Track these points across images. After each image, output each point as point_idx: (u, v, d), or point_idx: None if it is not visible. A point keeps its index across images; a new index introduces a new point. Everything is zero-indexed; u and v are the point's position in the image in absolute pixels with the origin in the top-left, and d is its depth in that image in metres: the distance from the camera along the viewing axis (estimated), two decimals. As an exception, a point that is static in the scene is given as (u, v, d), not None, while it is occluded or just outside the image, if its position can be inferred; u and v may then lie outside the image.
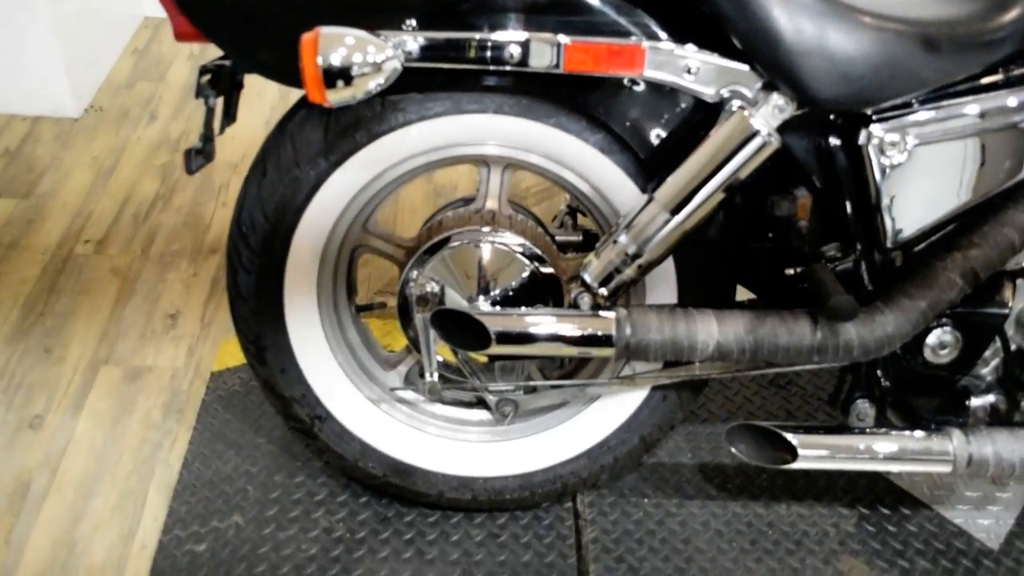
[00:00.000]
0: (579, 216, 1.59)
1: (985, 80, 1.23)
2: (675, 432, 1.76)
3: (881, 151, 1.21)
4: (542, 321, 1.26)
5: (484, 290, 1.38)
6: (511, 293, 1.37)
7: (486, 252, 1.37)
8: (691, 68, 1.17)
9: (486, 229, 1.37)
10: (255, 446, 1.72)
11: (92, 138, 2.68)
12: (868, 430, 1.35)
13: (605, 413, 1.47)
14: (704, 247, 1.32)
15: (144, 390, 1.89)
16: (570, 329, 1.26)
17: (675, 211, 1.22)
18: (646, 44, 1.16)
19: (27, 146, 2.62)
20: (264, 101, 2.80)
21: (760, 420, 1.56)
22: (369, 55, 1.10)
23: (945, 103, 1.22)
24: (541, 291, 1.38)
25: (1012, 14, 1.20)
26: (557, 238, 1.48)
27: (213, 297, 2.13)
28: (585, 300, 1.29)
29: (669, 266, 1.35)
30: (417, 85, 1.24)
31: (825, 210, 1.27)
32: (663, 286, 1.36)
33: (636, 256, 1.25)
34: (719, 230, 1.30)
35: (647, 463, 1.70)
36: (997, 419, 1.39)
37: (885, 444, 1.32)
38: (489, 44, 1.15)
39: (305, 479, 1.66)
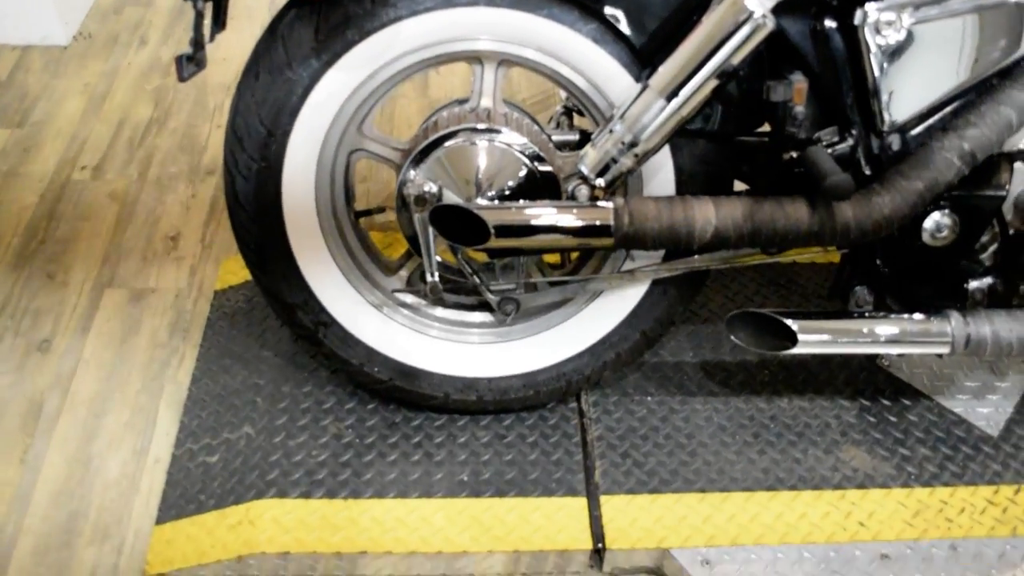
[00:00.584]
0: (575, 117, 1.58)
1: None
2: (677, 331, 1.77)
3: (877, 31, 1.19)
4: (540, 213, 1.27)
5: (482, 189, 1.38)
6: (509, 191, 1.37)
7: (482, 150, 1.37)
8: (683, -49, 1.16)
9: (481, 127, 1.36)
10: (261, 359, 1.74)
11: (82, 65, 2.65)
12: (867, 314, 1.36)
13: (606, 309, 1.48)
14: (701, 137, 1.32)
15: (149, 310, 1.90)
16: (568, 220, 1.26)
17: (670, 97, 1.21)
18: (636, -73, 1.14)
19: (18, 75, 2.60)
20: (255, 22, 2.77)
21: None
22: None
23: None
24: (539, 189, 1.37)
25: None
26: (554, 138, 1.48)
27: (213, 218, 2.13)
28: (583, 191, 1.29)
29: (666, 158, 1.34)
30: (408, -21, 1.23)
31: (821, 94, 1.27)
32: (660, 178, 1.36)
33: (632, 145, 1.24)
34: (715, 119, 1.29)
35: (650, 362, 1.71)
36: (995, 302, 1.40)
37: (884, 327, 1.33)
38: (477, -67, 1.13)
39: (313, 388, 1.68)
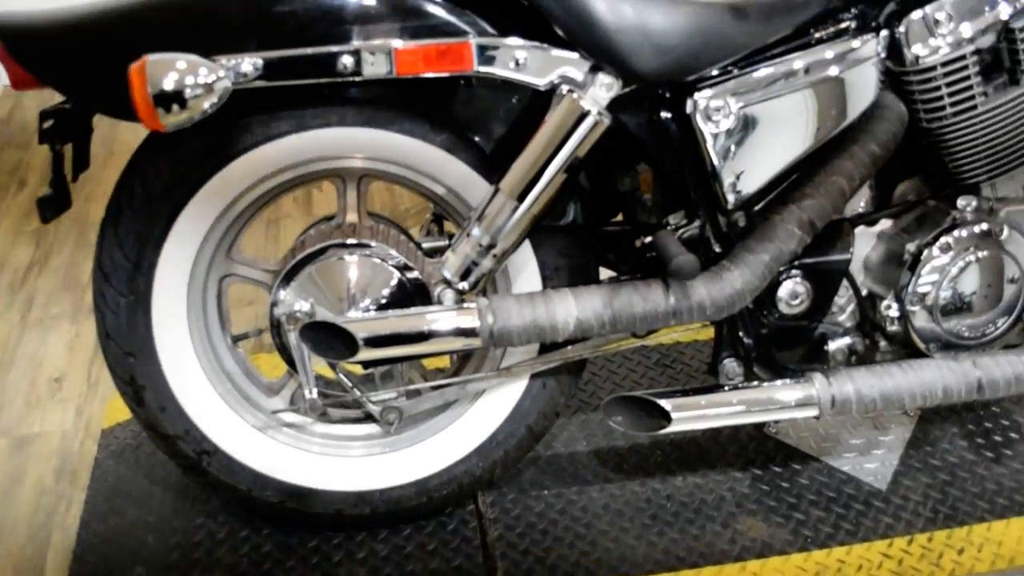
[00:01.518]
0: (445, 222, 1.63)
1: (801, 38, 1.31)
2: (569, 421, 1.79)
3: (708, 117, 1.27)
4: (407, 321, 1.29)
5: (354, 301, 1.40)
6: (381, 301, 1.39)
7: (350, 264, 1.39)
8: (519, 60, 1.22)
9: (347, 242, 1.39)
10: (151, 496, 1.69)
11: (-41, 213, 2.62)
12: (737, 386, 1.41)
13: (490, 408, 1.50)
14: (560, 231, 1.37)
15: (33, 457, 1.84)
16: (435, 325, 1.28)
17: (521, 198, 1.26)
18: (473, 41, 1.20)
19: None
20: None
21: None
22: (200, 77, 1.11)
23: (764, 65, 1.29)
24: (410, 296, 1.40)
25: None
26: (425, 245, 1.51)
27: (98, 355, 2.09)
28: (448, 295, 1.32)
29: (529, 255, 1.38)
30: (261, 106, 1.26)
31: (666, 180, 1.33)
32: (526, 274, 1.40)
33: (491, 246, 1.28)
34: (572, 212, 1.34)
35: (544, 455, 1.72)
36: (857, 360, 1.46)
37: (752, 396, 1.38)
38: (321, 58, 1.18)
39: (204, 520, 1.63)
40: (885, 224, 1.47)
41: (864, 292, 1.46)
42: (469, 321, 1.27)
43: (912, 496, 1.64)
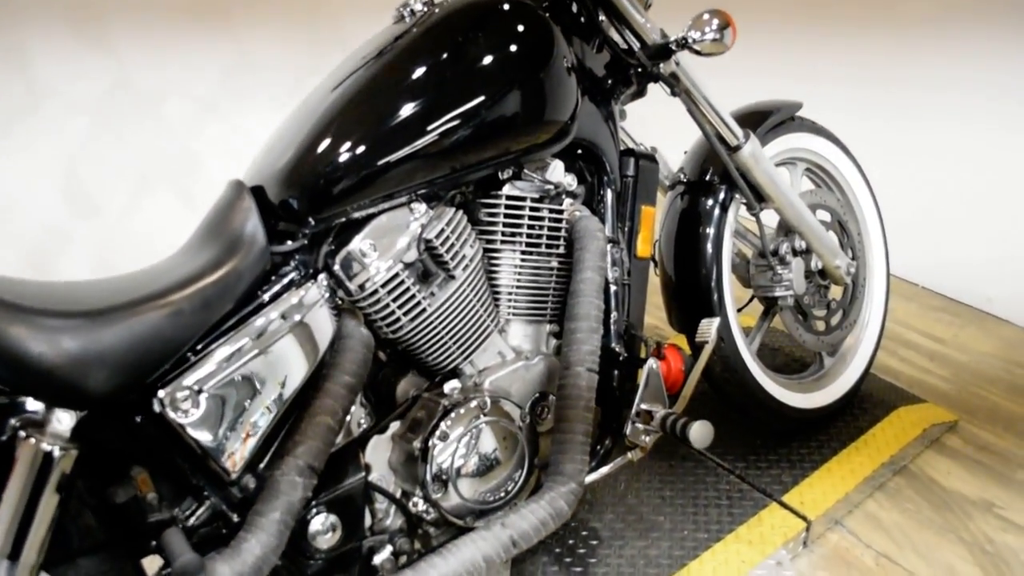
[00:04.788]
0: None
1: (250, 303, 1.42)
2: None
3: (178, 410, 1.32)
4: None
5: None
6: None
7: None
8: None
9: None
10: None
11: None
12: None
13: None
14: (77, 556, 1.35)
15: None
16: None
17: (14, 556, 1.23)
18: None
19: None
20: None
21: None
22: None
23: (218, 344, 1.36)
24: None
25: (234, 263, 1.40)
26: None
27: None
28: None
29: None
30: None
31: (163, 475, 1.37)
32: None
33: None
34: (74, 540, 1.33)
35: None
36: (412, 557, 1.57)
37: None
38: None
39: None
40: (395, 426, 1.61)
41: (398, 494, 1.58)
42: None
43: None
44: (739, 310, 2.13)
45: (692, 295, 2.04)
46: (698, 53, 1.72)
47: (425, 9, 1.63)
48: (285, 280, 1.47)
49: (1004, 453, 2.33)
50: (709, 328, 1.75)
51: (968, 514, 2.12)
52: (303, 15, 3.17)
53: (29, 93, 2.89)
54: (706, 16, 1.70)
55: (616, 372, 1.74)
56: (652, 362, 1.70)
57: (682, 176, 2.11)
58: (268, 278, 1.46)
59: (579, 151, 1.76)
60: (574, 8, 1.74)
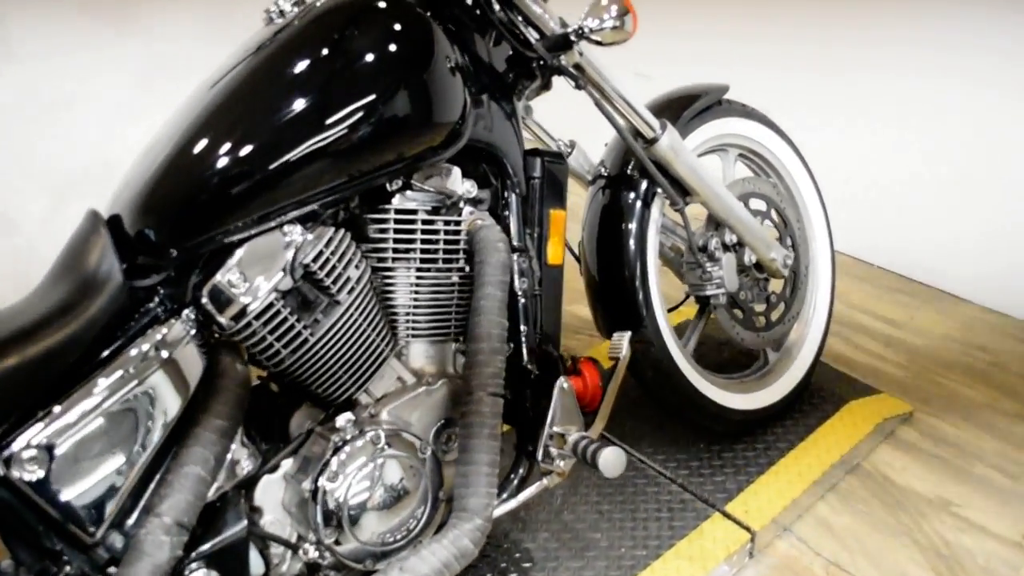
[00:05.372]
0: None
1: (110, 345, 1.30)
2: None
3: (25, 470, 1.19)
4: None
5: None
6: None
7: None
8: None
9: None
10: None
11: None
12: None
13: None
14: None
15: None
16: None
17: None
18: None
19: None
20: None
21: None
22: None
23: (73, 394, 1.24)
24: None
25: (85, 304, 1.27)
26: None
27: None
28: None
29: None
30: None
31: (15, 542, 1.25)
32: None
33: None
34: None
35: None
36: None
37: None
38: None
39: None
40: (288, 464, 1.48)
41: (293, 539, 1.46)
42: None
43: None
44: (672, 309, 2.01)
45: (616, 297, 1.92)
46: (598, 43, 1.59)
47: (295, 10, 1.50)
48: (148, 318, 1.34)
49: (962, 445, 2.23)
50: (621, 342, 1.62)
51: (923, 514, 2.01)
52: (217, 8, 3.00)
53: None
54: (604, 2, 1.57)
55: (529, 391, 1.62)
56: (562, 381, 1.57)
57: (603, 170, 1.98)
58: (129, 317, 1.33)
59: (480, 154, 1.64)
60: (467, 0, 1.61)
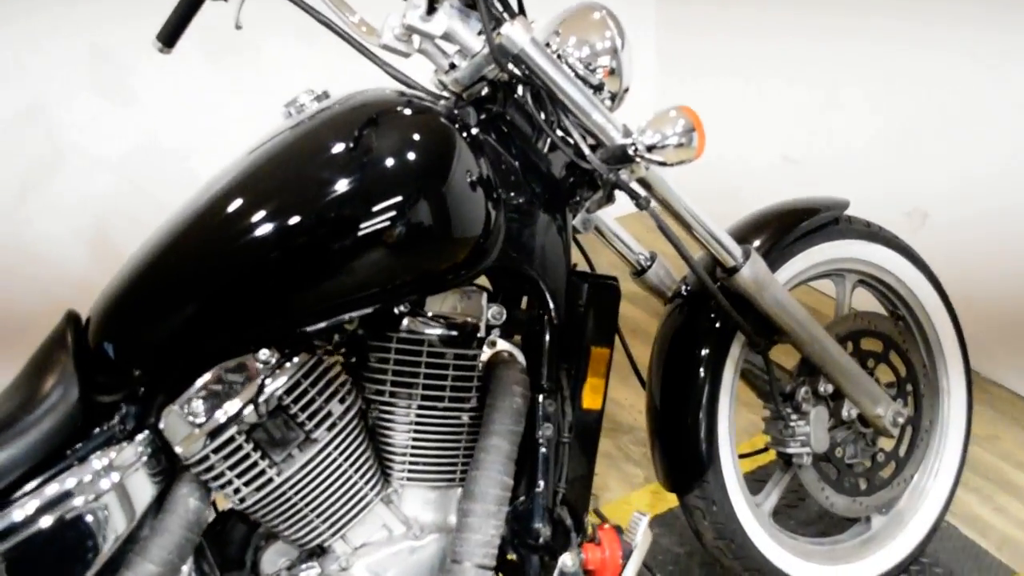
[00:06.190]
0: None
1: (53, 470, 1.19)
2: None
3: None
4: None
5: None
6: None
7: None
8: None
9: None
10: None
11: None
12: None
13: None
14: None
15: None
16: None
17: None
18: None
19: None
20: None
21: None
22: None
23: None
24: None
25: (34, 418, 1.18)
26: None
27: None
28: None
29: None
30: None
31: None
32: None
33: None
34: None
35: None
36: None
37: None
38: None
39: None
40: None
41: None
42: None
43: None
44: (744, 456, 1.72)
45: (677, 439, 1.65)
46: (661, 163, 1.35)
47: (313, 105, 1.35)
48: (103, 437, 1.23)
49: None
50: (637, 526, 1.36)
51: None
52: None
53: None
54: (671, 114, 1.33)
55: (535, 558, 1.39)
56: (567, 558, 1.34)
57: (684, 287, 1.72)
58: (83, 435, 1.22)
59: (517, 274, 1.43)
60: (520, 93, 1.41)
